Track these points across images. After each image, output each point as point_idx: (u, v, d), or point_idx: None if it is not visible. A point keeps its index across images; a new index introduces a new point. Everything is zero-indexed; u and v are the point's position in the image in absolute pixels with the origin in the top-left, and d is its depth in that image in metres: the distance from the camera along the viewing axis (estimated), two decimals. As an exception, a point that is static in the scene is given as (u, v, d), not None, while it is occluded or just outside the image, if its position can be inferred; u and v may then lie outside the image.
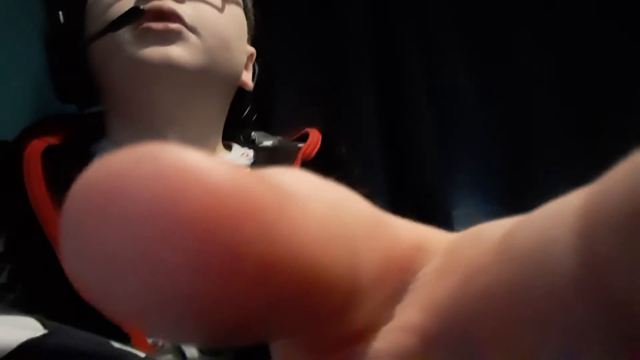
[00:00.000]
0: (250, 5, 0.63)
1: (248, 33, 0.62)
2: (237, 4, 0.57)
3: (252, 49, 0.63)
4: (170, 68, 0.49)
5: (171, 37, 0.49)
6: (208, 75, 0.52)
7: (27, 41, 0.73)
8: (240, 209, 0.06)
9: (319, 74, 0.98)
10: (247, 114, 0.65)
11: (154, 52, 0.48)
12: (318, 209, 0.07)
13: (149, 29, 0.49)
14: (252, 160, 0.58)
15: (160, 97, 0.51)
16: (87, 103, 0.58)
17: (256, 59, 0.64)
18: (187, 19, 0.50)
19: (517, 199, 0.90)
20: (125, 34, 0.49)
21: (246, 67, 0.61)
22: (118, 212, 0.06)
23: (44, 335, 0.28)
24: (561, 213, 0.06)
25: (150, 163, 0.06)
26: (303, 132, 0.60)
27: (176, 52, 0.49)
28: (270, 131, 0.64)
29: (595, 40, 1.02)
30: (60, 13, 0.56)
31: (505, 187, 0.92)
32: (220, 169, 0.07)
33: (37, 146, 0.47)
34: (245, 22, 0.60)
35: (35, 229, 0.42)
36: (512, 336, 0.07)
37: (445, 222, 0.86)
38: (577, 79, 1.00)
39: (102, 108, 0.57)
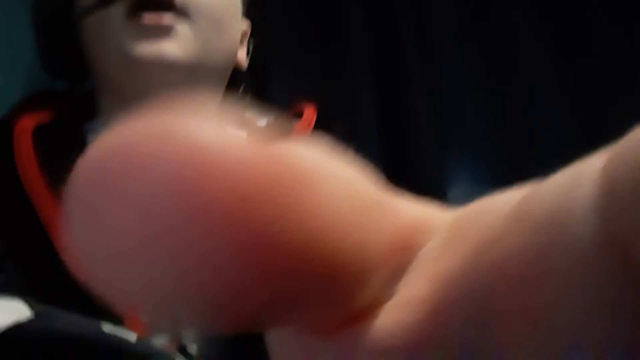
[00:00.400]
0: None
1: (243, 4, 0.60)
2: None
3: (246, 24, 0.62)
4: (162, 65, 0.48)
5: (162, 32, 0.48)
6: (202, 66, 0.51)
7: (14, 12, 0.72)
8: (271, 188, 0.06)
9: (314, 52, 0.98)
10: (242, 91, 0.64)
11: (146, 48, 0.48)
12: (339, 186, 0.07)
13: (140, 26, 0.48)
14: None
15: (153, 89, 0.50)
16: (78, 78, 0.56)
17: (251, 34, 0.63)
18: (178, 1, 0.49)
19: (513, 180, 0.90)
20: (115, 20, 0.48)
21: (240, 43, 0.60)
22: (134, 193, 0.06)
23: (30, 320, 0.28)
24: (580, 175, 0.06)
25: (169, 141, 0.06)
26: (298, 109, 0.60)
27: (168, 48, 0.48)
28: (264, 108, 0.64)
29: (596, 39, 1.01)
30: None
31: (501, 169, 0.92)
32: (244, 145, 0.06)
33: (27, 124, 0.46)
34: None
35: (27, 208, 0.42)
36: (527, 307, 0.06)
37: (441, 202, 0.87)
38: (577, 72, 1.00)
39: (94, 85, 0.56)
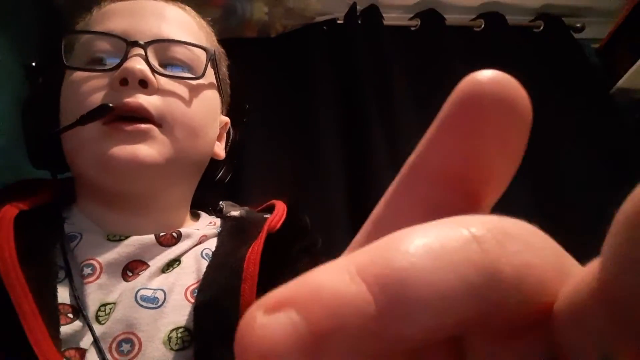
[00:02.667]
0: (226, 76, 0.64)
1: (223, 103, 0.63)
2: (210, 85, 0.58)
3: (225, 119, 0.64)
4: (137, 165, 0.49)
5: (139, 136, 0.49)
6: (176, 166, 0.53)
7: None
8: None
9: (286, 147, 1.02)
10: (219, 177, 0.65)
11: (121, 151, 0.49)
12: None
13: (117, 129, 0.49)
14: (219, 229, 0.59)
15: (127, 188, 0.52)
16: (59, 170, 0.58)
17: (231, 124, 0.65)
18: (155, 112, 0.50)
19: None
20: (93, 129, 0.49)
21: (219, 138, 0.62)
22: None
23: None
24: None
25: None
26: (269, 203, 0.62)
27: (143, 150, 0.49)
28: (237, 202, 0.66)
29: (555, 126, 1.11)
30: (40, 80, 0.57)
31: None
32: None
33: (9, 211, 0.47)
34: (218, 102, 0.61)
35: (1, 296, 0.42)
36: None
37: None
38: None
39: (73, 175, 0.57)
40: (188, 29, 0.58)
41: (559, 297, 0.11)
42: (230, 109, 0.66)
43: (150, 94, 0.51)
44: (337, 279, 0.11)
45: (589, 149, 1.08)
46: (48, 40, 0.83)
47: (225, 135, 0.65)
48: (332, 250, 0.87)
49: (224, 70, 0.64)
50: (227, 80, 0.65)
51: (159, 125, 0.51)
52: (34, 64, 0.58)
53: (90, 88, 0.51)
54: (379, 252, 0.11)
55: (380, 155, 0.99)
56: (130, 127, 0.49)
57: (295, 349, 0.10)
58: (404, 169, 0.14)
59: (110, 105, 0.49)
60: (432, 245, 0.11)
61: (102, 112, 0.49)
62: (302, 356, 0.10)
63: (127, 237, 0.51)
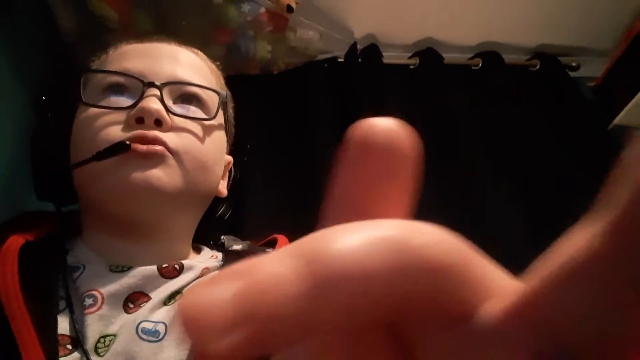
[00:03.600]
0: (232, 117, 0.66)
1: (227, 143, 0.65)
2: (219, 125, 0.60)
3: (229, 158, 0.66)
4: (150, 190, 0.50)
5: (153, 160, 0.51)
6: (185, 195, 0.54)
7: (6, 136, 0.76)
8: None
9: (287, 182, 1.03)
10: (220, 213, 0.67)
11: (137, 177, 0.50)
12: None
13: (134, 152, 0.50)
14: (221, 263, 0.59)
15: (136, 214, 0.53)
16: (64, 202, 0.59)
17: (233, 164, 0.67)
18: (170, 144, 0.52)
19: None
20: (107, 162, 0.51)
21: (222, 176, 0.64)
22: None
23: None
24: None
25: None
26: (271, 237, 0.62)
27: (156, 174, 0.51)
28: (239, 236, 0.66)
29: (540, 148, 1.12)
30: (50, 115, 0.58)
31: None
32: None
33: (15, 242, 0.48)
34: (225, 141, 0.63)
35: (2, 326, 0.42)
36: None
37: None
38: (526, 185, 1.08)
39: (79, 207, 0.58)
40: (200, 72, 0.61)
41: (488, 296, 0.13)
42: (233, 148, 0.68)
43: (164, 132, 0.53)
44: (272, 261, 0.12)
45: (588, 186, 1.09)
46: (56, 75, 0.86)
47: (227, 173, 0.66)
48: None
49: (230, 112, 0.66)
50: (233, 121, 0.67)
51: (172, 154, 0.53)
52: (44, 97, 0.60)
53: (106, 124, 0.53)
54: (310, 241, 0.12)
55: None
56: (145, 148, 0.51)
57: (227, 321, 0.11)
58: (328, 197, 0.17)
59: (128, 142, 0.51)
60: (356, 236, 0.12)
61: (119, 149, 0.50)
62: (235, 330, 0.11)
63: (129, 268, 0.52)
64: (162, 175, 0.51)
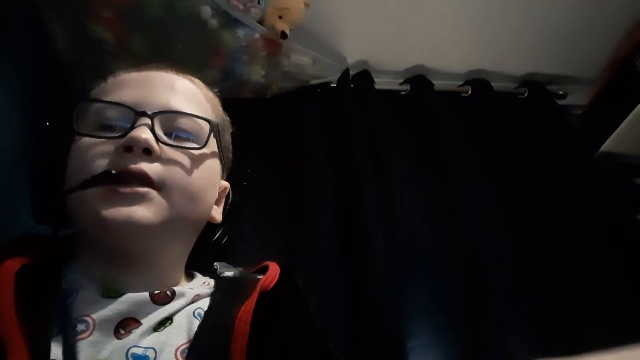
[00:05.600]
0: (229, 143, 0.66)
1: (224, 170, 0.65)
2: (212, 153, 0.60)
3: (225, 184, 0.66)
4: (133, 226, 0.51)
5: (136, 198, 0.51)
6: (173, 227, 0.54)
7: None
8: None
9: (280, 206, 1.03)
10: (216, 239, 0.67)
11: (119, 212, 0.50)
12: None
13: (117, 192, 0.51)
14: (213, 289, 0.59)
15: (123, 246, 0.53)
16: (60, 226, 0.59)
17: (232, 188, 0.67)
18: (156, 177, 0.53)
19: (470, 331, 0.92)
20: (93, 191, 0.51)
21: (218, 202, 0.64)
22: None
23: None
24: None
25: None
26: (263, 264, 0.63)
27: (139, 212, 0.51)
28: (232, 263, 0.67)
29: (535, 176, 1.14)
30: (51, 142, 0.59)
31: (458, 319, 0.94)
32: None
33: (11, 266, 0.48)
34: (218, 169, 0.63)
35: None
36: None
37: (400, 354, 0.87)
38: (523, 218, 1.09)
39: (74, 231, 0.58)
40: (195, 101, 0.61)
41: None
42: (230, 172, 0.68)
43: (153, 162, 0.53)
44: None
45: (574, 212, 1.11)
46: (59, 100, 0.86)
47: (224, 199, 0.66)
48: (325, 310, 0.88)
49: (227, 138, 0.66)
50: (230, 147, 0.67)
51: (158, 189, 0.53)
52: (47, 123, 0.61)
53: (97, 153, 0.53)
54: None
55: (371, 214, 1.01)
56: (127, 190, 0.51)
57: None
58: None
59: (113, 172, 0.51)
60: None
61: (104, 178, 0.51)
62: None
63: (121, 295, 0.52)
64: (145, 212, 0.51)
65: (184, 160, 0.56)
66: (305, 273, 0.67)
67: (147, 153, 0.53)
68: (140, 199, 0.51)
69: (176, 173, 0.55)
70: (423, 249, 1.01)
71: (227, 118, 0.68)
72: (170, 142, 0.56)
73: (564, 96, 1.38)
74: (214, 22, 1.00)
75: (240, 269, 0.64)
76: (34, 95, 0.89)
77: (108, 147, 0.54)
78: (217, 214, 0.64)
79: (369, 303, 0.91)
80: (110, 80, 0.62)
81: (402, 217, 1.04)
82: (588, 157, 1.24)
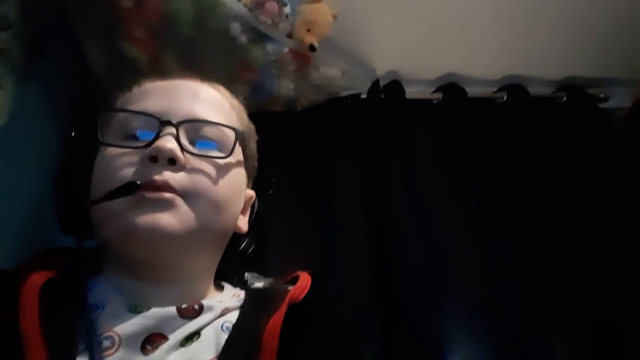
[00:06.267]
0: (254, 152, 0.66)
1: (249, 179, 0.64)
2: (237, 162, 0.60)
3: (251, 193, 0.66)
4: (159, 234, 0.50)
5: (163, 205, 0.51)
6: (198, 236, 0.54)
7: (32, 174, 0.79)
8: None
9: (311, 217, 1.02)
10: (242, 249, 0.66)
11: (145, 219, 0.50)
12: None
13: (144, 198, 0.51)
14: (242, 301, 0.58)
15: (148, 258, 0.53)
16: (86, 236, 0.59)
17: (256, 198, 0.66)
18: (180, 188, 0.52)
19: (511, 345, 0.88)
20: (120, 202, 0.51)
21: (243, 212, 0.63)
22: None
23: None
24: None
25: None
26: (295, 274, 0.61)
27: (165, 219, 0.51)
28: (263, 273, 0.66)
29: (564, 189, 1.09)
30: (76, 154, 0.59)
31: (498, 332, 0.91)
32: None
33: (36, 280, 0.48)
34: (244, 177, 0.62)
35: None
36: None
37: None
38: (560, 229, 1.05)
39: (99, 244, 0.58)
40: (220, 109, 0.61)
41: None
42: (256, 181, 0.67)
43: (178, 171, 0.53)
44: None
45: (624, 219, 1.05)
46: (86, 111, 0.88)
47: (249, 208, 0.66)
48: (359, 321, 0.85)
49: (252, 146, 0.66)
50: (255, 155, 0.67)
51: (183, 198, 0.53)
52: (73, 134, 0.61)
53: (122, 163, 0.53)
54: None
55: (403, 225, 0.98)
56: (154, 195, 0.51)
57: None
58: None
59: (138, 182, 0.51)
60: None
61: (129, 190, 0.51)
62: None
63: (148, 309, 0.51)
64: (171, 220, 0.51)
65: (210, 169, 0.56)
66: (338, 283, 0.66)
67: (172, 163, 0.53)
68: (167, 205, 0.51)
69: (202, 182, 0.54)
70: (459, 260, 0.98)
71: (252, 126, 0.67)
72: (196, 151, 0.56)
73: (605, 99, 1.32)
74: (243, 38, 1.01)
75: (271, 279, 0.63)
76: (67, 112, 0.92)
77: (133, 157, 0.54)
78: (243, 223, 0.63)
79: (405, 313, 0.88)
80: (135, 89, 0.62)
81: (435, 228, 1.01)
82: (635, 160, 1.18)
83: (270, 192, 0.71)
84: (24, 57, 0.80)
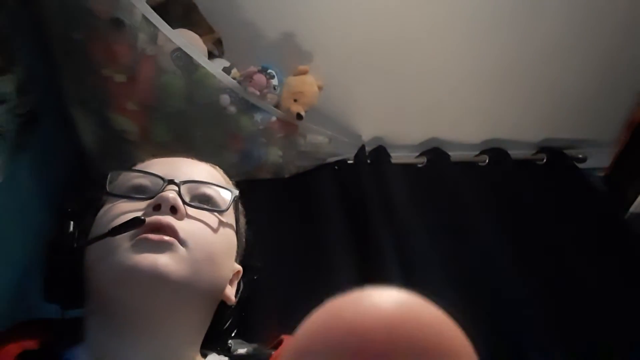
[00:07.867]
0: (243, 229, 0.71)
1: (238, 253, 0.68)
2: (231, 227, 0.65)
3: (239, 267, 0.68)
4: (155, 274, 0.52)
5: (163, 247, 0.54)
6: (191, 286, 0.55)
7: (17, 243, 0.79)
8: None
9: (299, 283, 1.02)
10: (227, 326, 0.67)
11: (144, 258, 0.52)
12: None
13: (146, 239, 0.54)
14: (224, 369, 0.58)
15: (143, 303, 0.53)
16: (70, 305, 0.60)
17: (242, 277, 0.69)
18: (181, 233, 0.56)
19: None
20: (122, 239, 0.54)
21: (231, 283, 0.66)
22: None
23: None
24: None
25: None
26: (280, 339, 0.61)
27: (164, 260, 0.53)
28: (247, 339, 0.65)
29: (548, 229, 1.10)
30: (72, 223, 0.62)
31: None
32: None
33: (11, 350, 0.48)
34: (235, 243, 0.66)
35: None
36: None
37: None
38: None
39: (82, 312, 0.58)
40: (215, 178, 0.67)
41: None
42: (244, 260, 0.70)
43: (179, 218, 0.57)
44: None
45: (607, 276, 1.06)
46: (79, 186, 0.90)
47: (236, 283, 0.68)
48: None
49: (243, 220, 0.71)
50: (244, 233, 0.71)
51: (182, 243, 0.55)
52: (69, 209, 0.64)
53: (127, 209, 0.57)
54: None
55: (392, 285, 0.98)
56: (156, 237, 0.54)
57: None
58: None
59: (142, 217, 0.54)
60: None
61: (133, 224, 0.54)
62: None
63: None
64: (169, 262, 0.53)
65: (207, 222, 0.60)
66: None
67: (174, 211, 0.57)
68: (166, 247, 0.54)
69: (199, 233, 0.58)
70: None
71: (242, 209, 0.73)
72: (195, 204, 0.61)
73: (583, 160, 1.36)
74: (232, 109, 1.05)
75: (255, 345, 0.63)
76: (56, 183, 0.94)
77: (138, 206, 0.58)
78: (231, 293, 0.65)
79: None
80: (138, 164, 0.68)
81: (424, 291, 1.00)
82: (617, 219, 1.20)
83: (256, 277, 0.74)
84: (16, 130, 0.83)
